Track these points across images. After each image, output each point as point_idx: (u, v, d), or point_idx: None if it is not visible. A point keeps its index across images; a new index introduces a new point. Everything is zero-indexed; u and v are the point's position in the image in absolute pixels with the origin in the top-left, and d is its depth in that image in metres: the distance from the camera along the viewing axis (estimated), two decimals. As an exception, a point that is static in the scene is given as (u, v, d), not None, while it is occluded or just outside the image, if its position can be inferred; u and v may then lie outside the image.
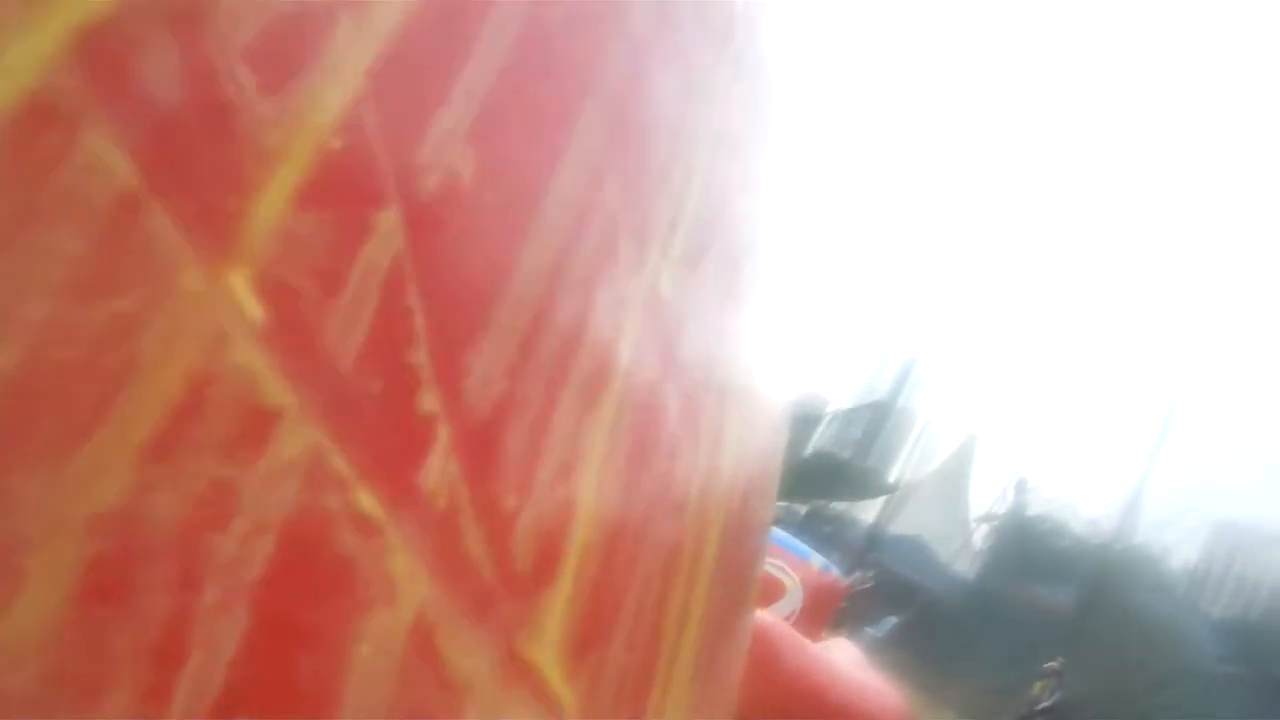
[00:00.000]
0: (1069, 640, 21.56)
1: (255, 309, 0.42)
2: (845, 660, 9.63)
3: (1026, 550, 26.94)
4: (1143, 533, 23.44)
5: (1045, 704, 20.64)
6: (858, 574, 28.50)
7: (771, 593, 10.22)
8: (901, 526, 32.03)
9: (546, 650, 0.69)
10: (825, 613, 10.99)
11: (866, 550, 31.69)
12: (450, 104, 0.55)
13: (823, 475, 45.88)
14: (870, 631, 23.53)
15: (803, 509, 38.26)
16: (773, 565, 10.43)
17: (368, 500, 0.49)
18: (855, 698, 8.72)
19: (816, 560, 11.11)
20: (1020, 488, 29.32)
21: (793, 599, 10.30)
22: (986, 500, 31.02)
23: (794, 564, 10.63)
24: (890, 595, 28.30)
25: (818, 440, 58.13)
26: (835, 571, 11.20)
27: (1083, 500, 26.14)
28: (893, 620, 26.48)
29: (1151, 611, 20.98)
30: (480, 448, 0.60)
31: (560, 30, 0.68)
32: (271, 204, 0.43)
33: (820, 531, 23.96)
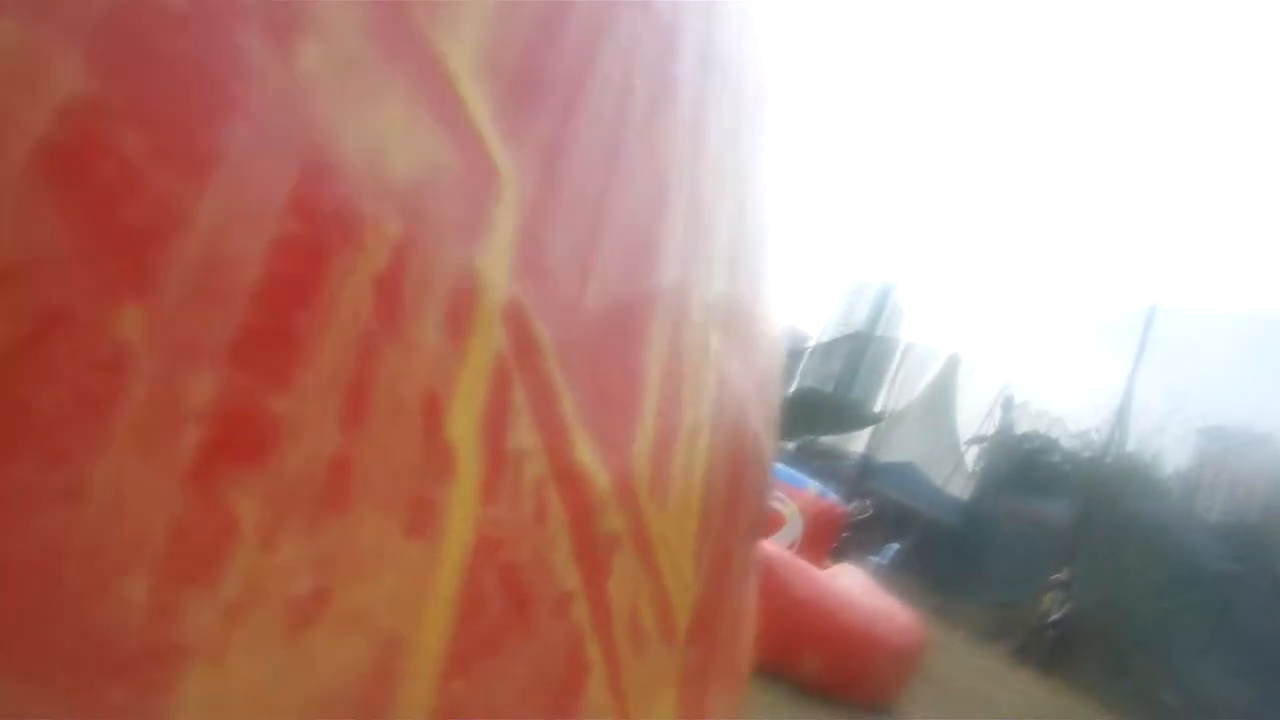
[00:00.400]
0: (1069, 553, 21.58)
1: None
2: (854, 585, 9.64)
3: (1019, 468, 26.95)
4: (1133, 442, 23.39)
5: (1056, 616, 20.67)
6: (856, 504, 28.59)
7: (771, 524, 10.18)
8: (892, 454, 32.09)
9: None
10: (827, 538, 10.98)
11: (859, 481, 31.74)
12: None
13: (808, 411, 46.01)
14: (874, 560, 23.52)
15: (791, 445, 38.30)
16: (771, 497, 10.36)
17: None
18: (866, 620, 8.72)
19: (813, 487, 11.10)
20: (1007, 406, 29.32)
21: (793, 528, 10.27)
22: (974, 422, 30.91)
23: (791, 493, 10.62)
24: (889, 523, 28.35)
25: (801, 376, 58.43)
26: (833, 497, 11.17)
27: (1071, 414, 26.00)
28: (894, 547, 26.52)
29: (1149, 519, 20.96)
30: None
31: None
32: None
33: (810, 466, 23.89)
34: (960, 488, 29.63)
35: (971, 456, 30.99)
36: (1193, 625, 18.02)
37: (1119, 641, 18.78)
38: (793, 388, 58.43)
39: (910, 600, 11.50)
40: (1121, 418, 23.12)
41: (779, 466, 11.91)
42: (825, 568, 10.33)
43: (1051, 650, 19.95)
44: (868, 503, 29.18)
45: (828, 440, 39.58)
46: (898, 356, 42.49)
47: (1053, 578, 21.26)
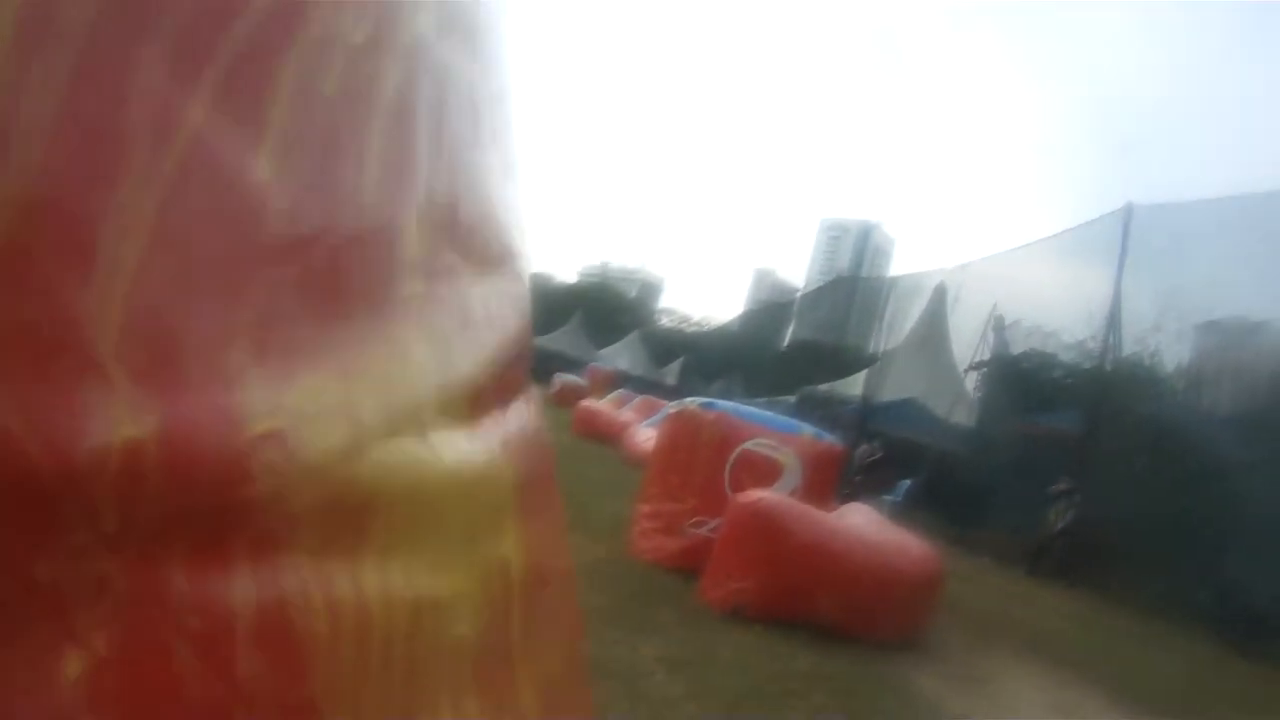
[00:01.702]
0: (1082, 464, 21.49)
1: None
2: (864, 523, 9.50)
3: (1021, 388, 26.96)
4: (1129, 345, 23.32)
5: (1062, 525, 20.72)
6: (864, 447, 28.64)
7: (770, 473, 10.02)
8: (893, 393, 32.02)
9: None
10: (829, 479, 10.80)
11: (862, 423, 31.77)
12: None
13: (803, 362, 46.20)
14: (888, 499, 23.46)
15: (792, 398, 38.45)
16: (764, 446, 10.22)
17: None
18: (880, 555, 8.58)
19: (807, 430, 10.91)
20: (998, 328, 29.26)
21: (791, 475, 10.10)
22: (969, 348, 30.85)
23: (785, 439, 10.44)
24: (899, 461, 28.35)
25: (794, 328, 58.75)
26: (829, 438, 10.98)
27: (1064, 326, 25.95)
28: (906, 484, 26.52)
29: (1157, 419, 20.90)
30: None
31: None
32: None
33: (814, 415, 23.87)
34: (964, 416, 29.56)
35: (971, 384, 30.94)
36: (1214, 520, 17.92)
37: (1141, 545, 18.68)
38: (786, 340, 59.14)
39: (929, 533, 11.37)
40: (1114, 323, 23.04)
41: (768, 414, 11.74)
42: (832, 509, 10.16)
43: (1063, 560, 20.00)
44: (876, 444, 29.25)
45: (825, 387, 39.64)
46: (885, 294, 42.48)
47: (1052, 489, 21.32)
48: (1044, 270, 27.88)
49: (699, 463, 10.24)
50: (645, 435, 20.30)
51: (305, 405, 0.86)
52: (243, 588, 0.82)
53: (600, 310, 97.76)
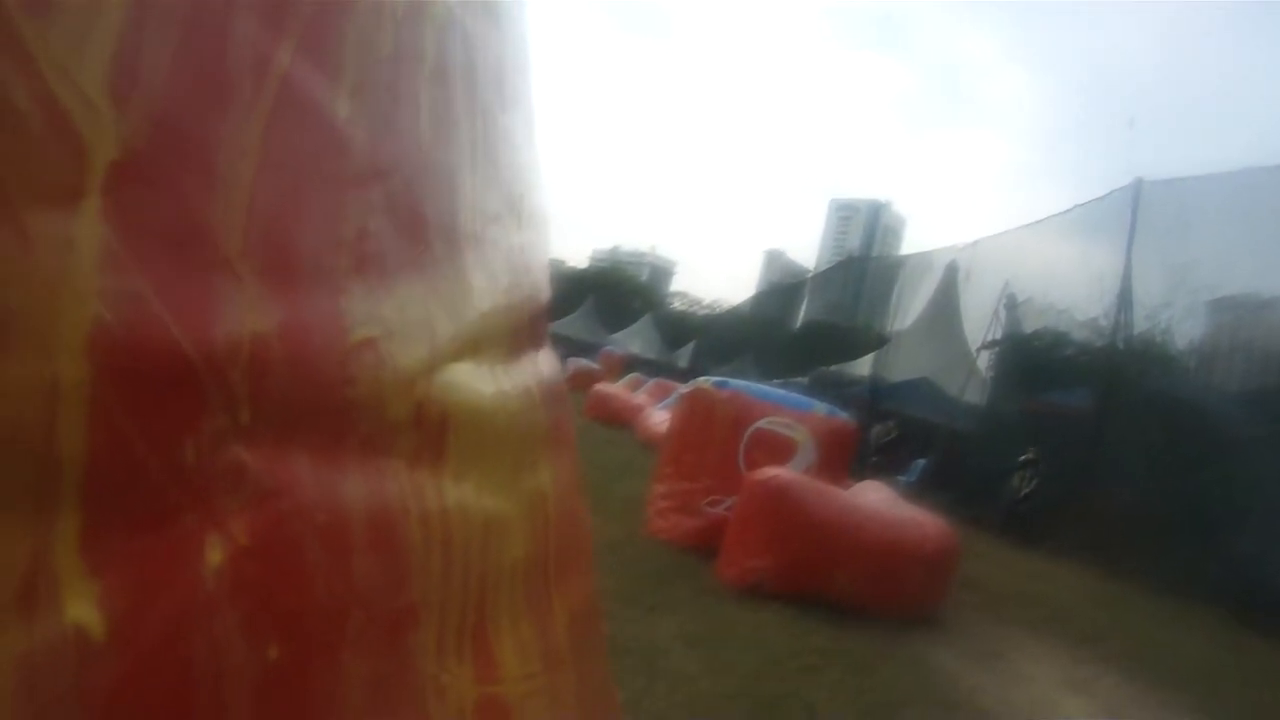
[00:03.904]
0: (1093, 439, 21.46)
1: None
2: (878, 499, 9.52)
3: (1033, 367, 26.84)
4: (1140, 322, 23.21)
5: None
6: (879, 427, 28.61)
7: (783, 451, 10.05)
8: (905, 372, 31.95)
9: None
10: (843, 455, 10.83)
11: (876, 402, 31.72)
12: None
13: (816, 343, 46.07)
14: (902, 479, 23.45)
15: (804, 379, 38.38)
16: (778, 424, 10.25)
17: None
18: (895, 532, 8.60)
19: (820, 407, 10.94)
20: (1010, 305, 29.14)
21: (805, 452, 10.12)
22: (980, 326, 30.73)
23: (799, 417, 10.47)
24: (912, 440, 28.30)
25: (806, 311, 58.57)
26: (842, 415, 11.00)
27: (1075, 304, 25.82)
28: (920, 463, 26.47)
29: (1169, 396, 20.83)
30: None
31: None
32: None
33: (826, 396, 23.86)
34: (977, 395, 29.48)
35: (984, 362, 30.84)
36: (1227, 495, 17.87)
37: (1154, 521, 18.65)
38: (798, 322, 59.00)
39: (943, 512, 11.37)
40: (1125, 299, 22.93)
41: (782, 392, 11.76)
42: (846, 486, 10.19)
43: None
44: (891, 424, 29.22)
45: (838, 368, 39.55)
46: (896, 273, 42.32)
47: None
48: (1055, 247, 27.80)
49: (713, 441, 10.28)
50: (659, 417, 20.36)
51: (395, 318, 0.95)
52: (355, 490, 0.89)
53: (612, 294, 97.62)
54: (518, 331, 1.29)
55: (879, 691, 6.72)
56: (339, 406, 0.87)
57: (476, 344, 1.11)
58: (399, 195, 0.98)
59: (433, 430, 1.00)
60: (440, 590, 0.98)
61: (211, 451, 0.77)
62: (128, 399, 0.74)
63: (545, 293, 1.49)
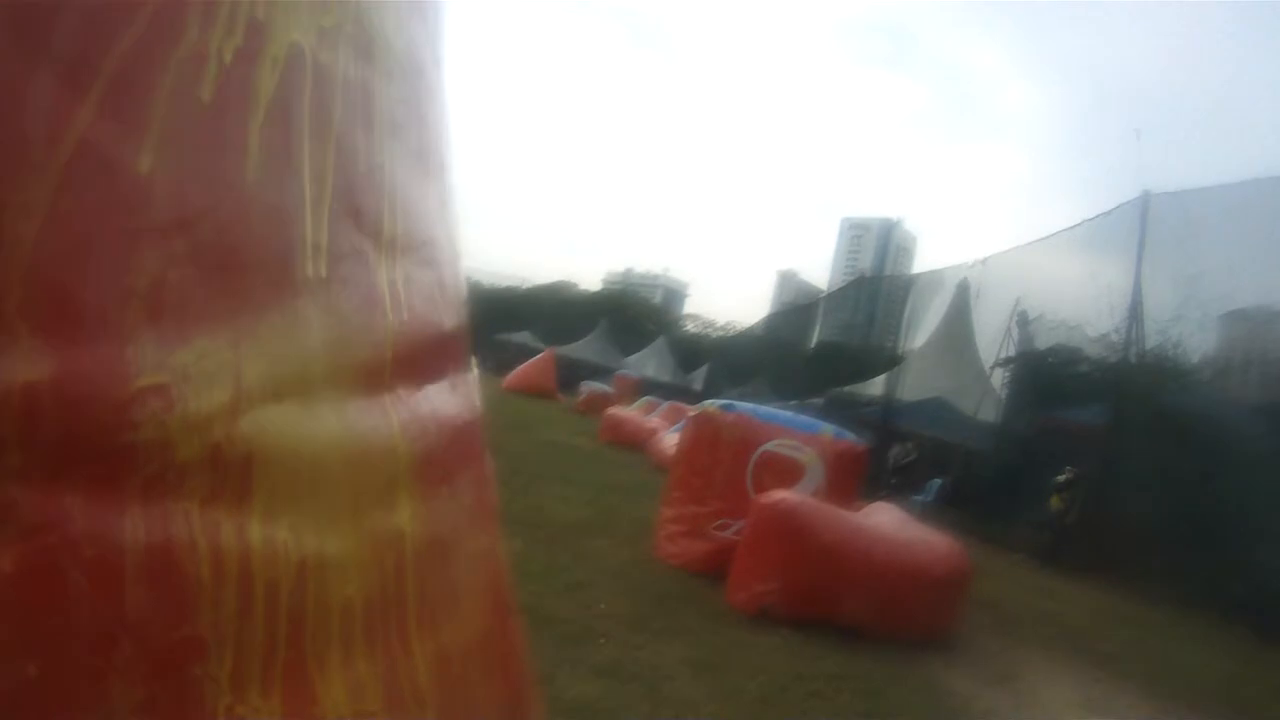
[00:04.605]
0: (1108, 457, 21.37)
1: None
2: (888, 521, 9.47)
3: (1048, 384, 26.78)
4: (1152, 336, 23.18)
5: (1072, 514, 20.69)
6: (898, 448, 28.62)
7: (792, 473, 9.98)
8: (919, 391, 31.94)
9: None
10: (852, 477, 10.74)
11: (890, 422, 31.73)
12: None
13: (831, 363, 46.12)
14: (918, 499, 23.42)
15: (819, 400, 38.42)
16: (785, 447, 10.19)
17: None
18: (905, 554, 8.54)
19: (828, 429, 10.87)
20: (1023, 322, 29.10)
21: (814, 475, 10.05)
22: (992, 343, 30.70)
23: (806, 439, 10.41)
24: (928, 460, 28.29)
25: (820, 331, 58.67)
26: (849, 436, 10.94)
27: (1087, 319, 25.78)
28: (937, 483, 26.46)
29: (1183, 410, 20.74)
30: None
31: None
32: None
33: (841, 417, 23.89)
34: (992, 413, 29.42)
35: (998, 380, 30.79)
36: (1244, 510, 17.77)
37: (1171, 538, 18.54)
38: (813, 342, 59.14)
39: (960, 531, 11.31)
40: (1136, 314, 22.89)
41: (789, 415, 11.70)
42: (855, 508, 10.11)
43: (1058, 548, 20.07)
44: (910, 445, 29.25)
45: (853, 388, 39.59)
46: (908, 292, 42.34)
47: (1056, 480, 21.29)
48: (1065, 262, 27.79)
49: (720, 465, 10.23)
50: (672, 440, 20.35)
51: (192, 365, 0.97)
52: (134, 526, 0.91)
53: (625, 318, 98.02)
54: (377, 368, 1.30)
55: (888, 716, 6.65)
56: (118, 449, 0.90)
57: (305, 385, 1.14)
58: (207, 243, 1.01)
59: (233, 471, 1.02)
60: (236, 624, 1.01)
61: None
62: None
63: (442, 324, 1.53)
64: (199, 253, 1.00)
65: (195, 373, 0.97)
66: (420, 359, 1.45)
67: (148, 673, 0.92)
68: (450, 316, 1.58)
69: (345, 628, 1.18)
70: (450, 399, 1.54)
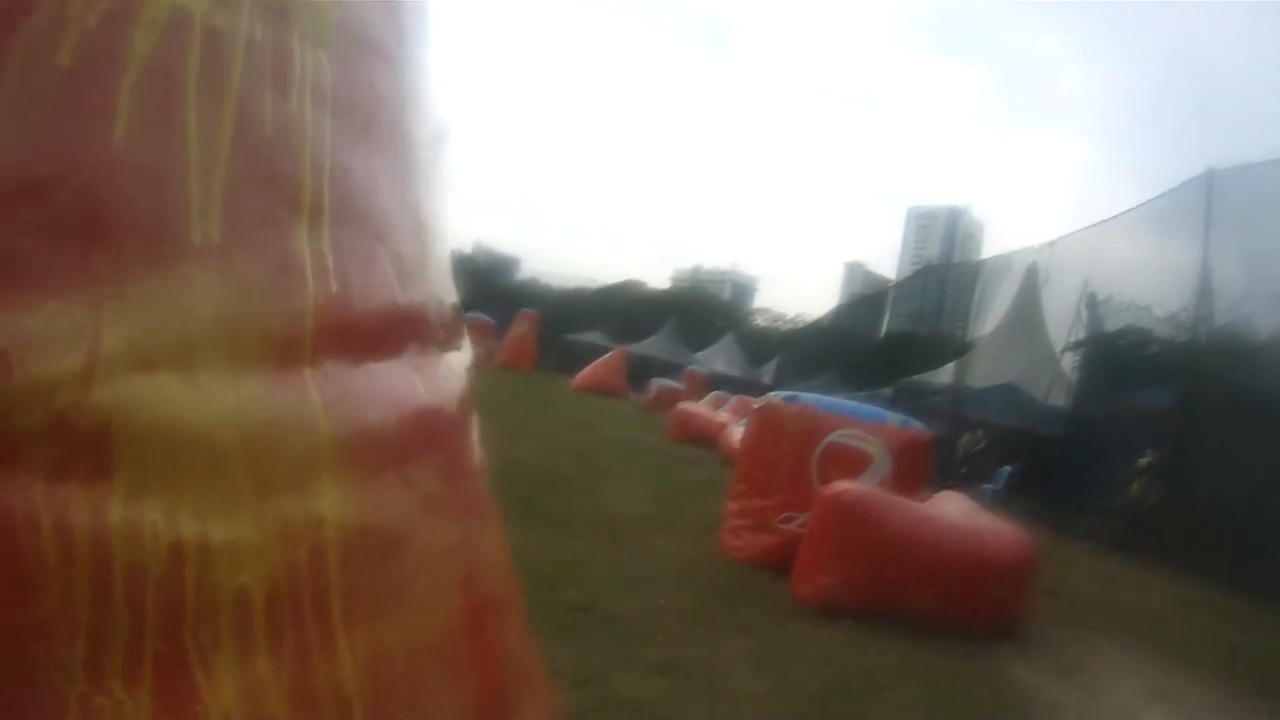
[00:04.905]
0: (1178, 439, 21.08)
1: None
2: (955, 511, 9.38)
3: (1117, 366, 26.52)
4: (1221, 314, 22.82)
5: (1151, 499, 20.32)
6: (968, 436, 28.44)
7: (858, 464, 9.93)
8: (989, 378, 31.69)
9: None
10: (919, 466, 10.66)
11: (959, 410, 31.55)
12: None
13: (900, 353, 45.90)
14: (988, 487, 23.25)
15: (888, 390, 38.28)
16: (851, 436, 10.13)
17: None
18: (972, 544, 8.46)
19: (894, 419, 10.79)
20: (1092, 305, 28.78)
21: (881, 464, 9.99)
22: (1062, 327, 30.39)
23: (873, 429, 10.34)
24: (999, 447, 28.08)
25: (889, 321, 58.45)
26: (916, 425, 10.86)
27: (1156, 299, 25.44)
28: (1007, 470, 26.26)
29: (1254, 389, 20.41)
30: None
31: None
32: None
33: (910, 406, 23.71)
34: (1063, 398, 29.13)
35: (1068, 364, 30.49)
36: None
37: (1244, 523, 18.22)
38: (881, 332, 58.98)
39: (1031, 519, 11.21)
40: (1204, 292, 22.57)
41: (854, 404, 11.63)
42: (923, 498, 10.04)
43: (1143, 535, 19.64)
44: (979, 433, 29.06)
45: (921, 377, 39.42)
46: (976, 279, 42.06)
47: (1137, 463, 20.93)
48: (1132, 243, 27.49)
49: (785, 457, 10.18)
50: (741, 434, 20.33)
51: (37, 330, 0.91)
52: None
53: (694, 314, 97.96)
54: (292, 341, 1.21)
55: (951, 708, 6.59)
56: None
57: (188, 354, 1.06)
58: (64, 208, 0.95)
59: (87, 444, 0.95)
60: (90, 609, 0.93)
61: None
62: None
63: (385, 299, 1.44)
64: (53, 218, 0.95)
65: (40, 338, 0.91)
66: (360, 334, 1.36)
67: None
68: (412, 294, 1.50)
69: (239, 621, 1.10)
70: (408, 378, 1.46)
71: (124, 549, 0.97)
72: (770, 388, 48.46)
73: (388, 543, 1.34)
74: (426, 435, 1.52)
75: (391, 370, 1.42)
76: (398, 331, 1.46)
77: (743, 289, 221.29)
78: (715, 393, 37.71)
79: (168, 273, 1.05)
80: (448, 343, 1.64)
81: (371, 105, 1.48)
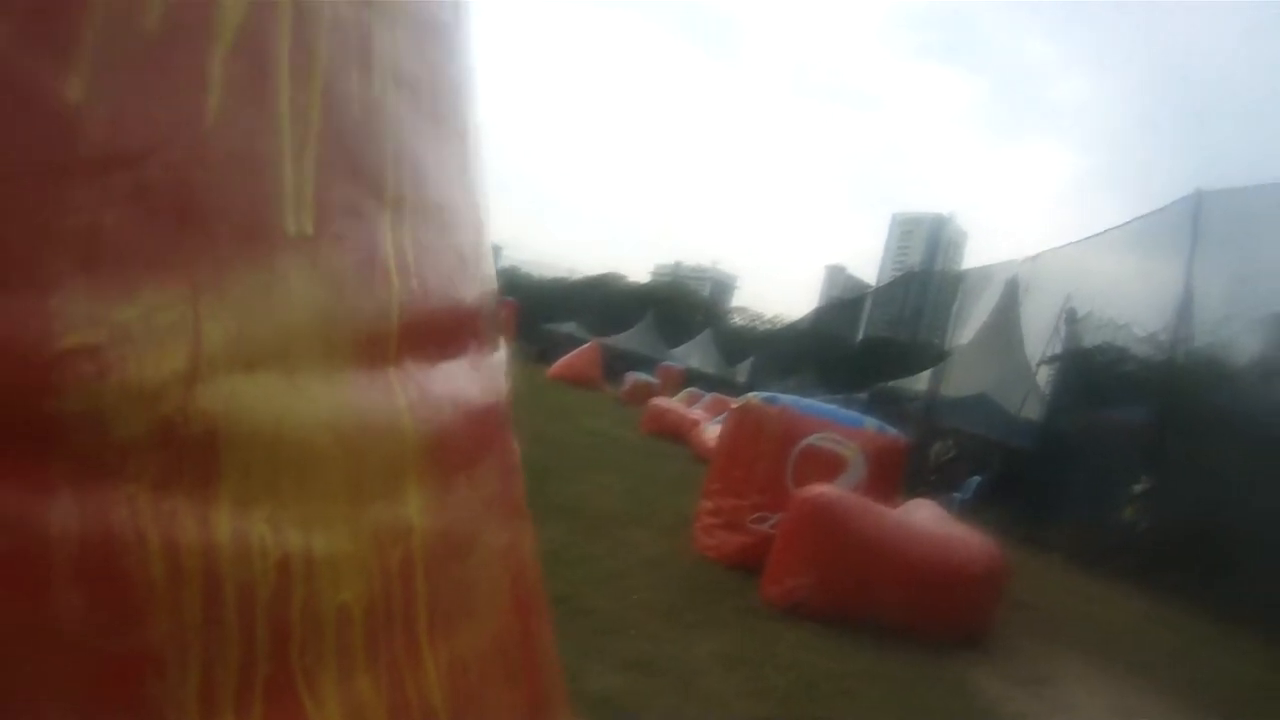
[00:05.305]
0: (1154, 458, 21.19)
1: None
2: (926, 519, 9.42)
3: (1094, 382, 26.59)
4: (1201, 336, 22.95)
5: (1145, 526, 20.34)
6: (938, 445, 28.55)
7: (833, 468, 9.95)
8: (964, 387, 31.79)
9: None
10: (894, 472, 10.69)
11: (933, 418, 31.67)
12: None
13: (877, 358, 46.04)
14: (956, 496, 23.33)
15: (863, 395, 38.42)
16: (829, 440, 10.15)
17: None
18: (942, 552, 8.49)
19: (870, 424, 10.82)
20: (1070, 320, 28.89)
21: (856, 469, 10.01)
22: (1039, 341, 30.52)
23: (849, 433, 10.36)
24: (969, 457, 28.19)
25: (866, 326, 58.61)
26: (892, 431, 10.90)
27: (1135, 318, 25.59)
28: (976, 480, 26.35)
29: (1230, 412, 20.52)
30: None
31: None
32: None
33: (885, 412, 23.80)
34: (1036, 411, 29.25)
35: (1044, 378, 30.61)
36: (1291, 517, 17.54)
37: (1214, 543, 18.32)
38: (859, 337, 59.14)
39: (998, 530, 11.26)
40: (1185, 313, 22.70)
41: (833, 408, 11.67)
42: (896, 504, 10.07)
43: (1147, 561, 19.62)
44: (950, 442, 29.17)
45: (897, 383, 39.53)
46: (957, 288, 42.25)
47: (1134, 488, 20.98)
48: (1115, 260, 27.62)
49: (761, 457, 10.19)
50: (714, 432, 20.32)
51: (135, 323, 0.81)
52: (62, 515, 0.76)
53: (672, 309, 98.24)
54: (379, 339, 1.15)
55: (918, 715, 6.63)
56: (41, 420, 0.75)
57: (287, 353, 0.99)
58: (156, 184, 0.85)
59: (193, 451, 0.86)
60: (202, 635, 0.85)
61: None
62: None
63: (455, 297, 1.37)
64: (145, 194, 0.84)
65: (139, 332, 0.81)
66: (434, 333, 1.30)
67: (87, 694, 0.78)
68: (472, 290, 1.44)
69: (342, 639, 1.04)
70: (471, 379, 1.41)
71: (233, 566, 0.90)
72: (745, 386, 48.55)
73: (462, 548, 1.30)
74: (487, 436, 1.50)
75: (458, 370, 1.38)
76: (462, 329, 1.42)
77: (722, 286, 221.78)
78: (689, 389, 37.71)
79: (263, 264, 0.97)
80: (496, 338, 1.60)
81: (438, 89, 1.42)
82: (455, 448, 1.32)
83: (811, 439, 10.16)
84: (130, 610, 0.81)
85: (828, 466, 9.94)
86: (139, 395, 0.81)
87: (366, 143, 1.17)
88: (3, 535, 0.72)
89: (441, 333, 1.33)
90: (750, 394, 11.63)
